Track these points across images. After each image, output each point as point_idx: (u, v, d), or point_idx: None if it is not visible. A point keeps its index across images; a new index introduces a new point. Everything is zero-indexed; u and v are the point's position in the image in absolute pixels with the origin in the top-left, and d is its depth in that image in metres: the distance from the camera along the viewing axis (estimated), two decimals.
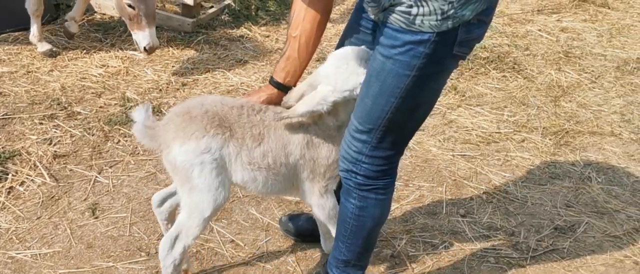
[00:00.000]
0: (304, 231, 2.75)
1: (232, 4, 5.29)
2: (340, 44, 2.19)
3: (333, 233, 2.30)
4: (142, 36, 3.91)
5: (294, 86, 2.10)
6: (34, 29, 4.21)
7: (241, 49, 4.68)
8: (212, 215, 2.08)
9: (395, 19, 1.76)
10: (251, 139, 2.03)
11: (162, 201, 2.36)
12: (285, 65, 2.06)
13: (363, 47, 2.03)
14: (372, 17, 1.90)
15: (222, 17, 5.19)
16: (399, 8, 1.74)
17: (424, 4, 1.70)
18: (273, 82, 2.11)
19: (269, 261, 2.65)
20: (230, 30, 5.00)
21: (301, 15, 2.00)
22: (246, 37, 4.91)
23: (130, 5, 3.81)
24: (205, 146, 1.97)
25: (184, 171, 2.00)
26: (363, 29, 2.06)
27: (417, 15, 1.72)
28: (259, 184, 2.11)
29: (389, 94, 1.85)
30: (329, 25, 5.31)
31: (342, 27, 5.29)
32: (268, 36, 4.98)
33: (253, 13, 5.31)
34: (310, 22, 2.00)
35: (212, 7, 5.19)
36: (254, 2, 5.42)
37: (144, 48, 3.94)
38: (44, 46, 4.25)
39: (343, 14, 5.64)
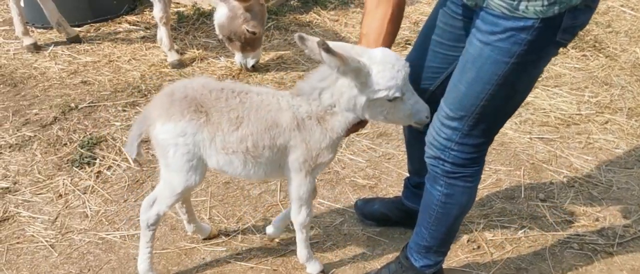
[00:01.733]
0: (379, 216, 2.75)
1: None
2: (426, 30, 2.14)
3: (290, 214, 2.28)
4: (253, 55, 3.99)
5: None
6: (165, 36, 4.16)
7: (311, 34, 4.68)
8: (183, 192, 2.19)
9: (496, 4, 1.68)
10: (228, 123, 2.02)
11: None
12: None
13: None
14: (469, 3, 1.81)
15: (291, 3, 5.22)
16: None
17: None
18: None
19: (344, 244, 2.67)
20: (300, 16, 5.03)
21: (372, 12, 1.94)
22: (315, 22, 4.92)
23: (253, 32, 3.79)
24: (181, 130, 2.02)
25: (161, 148, 2.09)
26: (452, 14, 1.99)
27: (521, 0, 1.64)
28: (237, 168, 2.11)
29: (485, 81, 1.79)
30: (411, 8, 5.23)
31: (410, 9, 5.21)
32: (337, 20, 4.98)
33: None
34: (379, 20, 1.94)
35: None
36: None
37: (253, 66, 4.04)
38: (173, 55, 4.19)
39: None
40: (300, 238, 2.40)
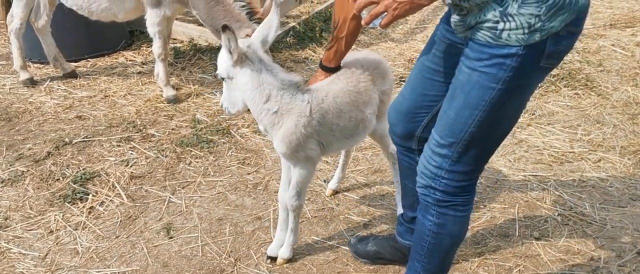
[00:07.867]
0: (373, 254, 2.73)
1: (297, 26, 5.38)
2: (422, 61, 2.19)
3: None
4: None
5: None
6: (161, 72, 4.18)
7: (306, 71, 4.75)
8: None
9: (482, 34, 1.76)
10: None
11: None
12: (334, 56, 2.47)
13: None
14: (460, 36, 1.90)
15: (287, 39, 5.28)
16: (485, 24, 1.74)
17: (511, 18, 1.70)
18: (327, 68, 2.52)
19: None
20: (295, 52, 5.08)
21: (347, 22, 2.32)
22: (310, 59, 4.97)
23: None
24: None
25: None
26: (449, 42, 2.05)
27: (503, 29, 1.72)
28: None
29: (473, 107, 1.84)
30: (392, 44, 5.33)
31: (405, 47, 5.29)
32: None
33: (317, 35, 5.38)
34: (355, 26, 2.34)
35: None
36: (318, 24, 5.50)
37: None
38: (169, 91, 4.20)
39: (406, 33, 5.63)
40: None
